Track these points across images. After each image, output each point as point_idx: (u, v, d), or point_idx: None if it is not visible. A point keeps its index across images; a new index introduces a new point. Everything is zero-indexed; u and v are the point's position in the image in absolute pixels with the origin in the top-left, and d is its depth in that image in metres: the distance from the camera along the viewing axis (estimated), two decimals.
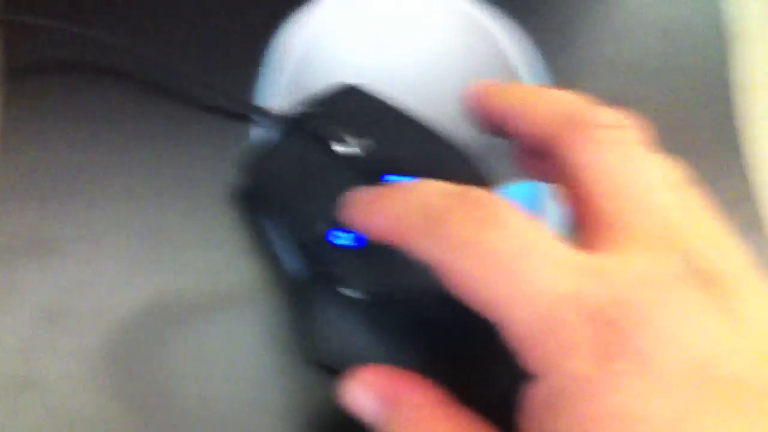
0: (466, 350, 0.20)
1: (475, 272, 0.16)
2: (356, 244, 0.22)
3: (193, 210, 0.27)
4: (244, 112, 0.28)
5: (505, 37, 0.31)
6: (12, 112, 0.28)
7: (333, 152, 0.24)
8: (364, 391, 0.19)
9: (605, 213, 0.17)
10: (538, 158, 0.21)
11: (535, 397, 0.16)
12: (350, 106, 0.26)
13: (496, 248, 0.16)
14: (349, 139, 0.25)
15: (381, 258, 0.22)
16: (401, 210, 0.18)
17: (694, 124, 0.31)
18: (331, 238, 0.22)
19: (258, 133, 0.28)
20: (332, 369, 0.25)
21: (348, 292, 0.22)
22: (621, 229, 0.17)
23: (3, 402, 0.23)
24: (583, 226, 0.18)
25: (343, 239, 0.22)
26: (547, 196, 0.28)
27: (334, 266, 0.22)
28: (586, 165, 0.18)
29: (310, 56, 0.30)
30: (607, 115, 0.19)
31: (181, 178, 0.27)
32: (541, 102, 0.20)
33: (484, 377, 0.20)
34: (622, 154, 0.18)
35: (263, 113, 0.27)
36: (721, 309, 0.16)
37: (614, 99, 0.20)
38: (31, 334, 0.24)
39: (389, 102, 0.26)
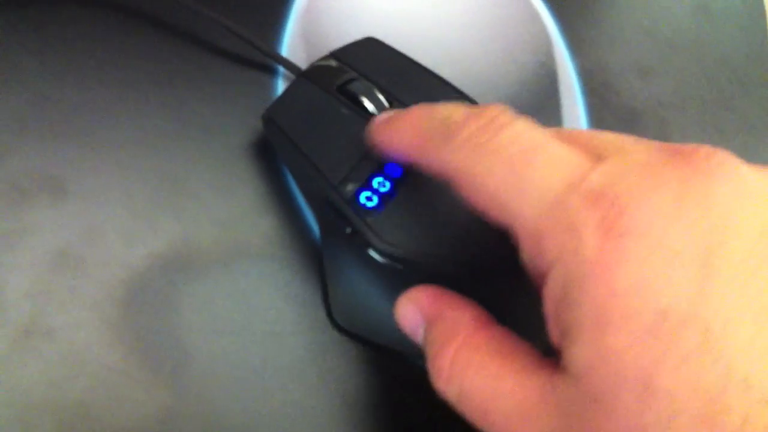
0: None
1: (487, 174, 0.17)
2: (381, 206, 0.22)
3: (212, 159, 0.26)
4: (268, 61, 0.27)
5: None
6: (19, 43, 0.26)
7: (359, 106, 0.24)
8: (411, 307, 0.20)
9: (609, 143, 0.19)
10: None
11: (551, 290, 0.16)
12: (375, 59, 0.25)
13: (507, 149, 0.17)
14: (374, 93, 0.24)
15: (405, 221, 0.22)
16: (424, 125, 0.19)
17: (728, 100, 0.31)
18: (359, 198, 0.22)
19: (281, 83, 0.27)
20: (351, 332, 0.25)
21: (373, 254, 0.22)
22: (620, 147, 0.18)
23: (14, 348, 0.23)
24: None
25: (371, 201, 0.22)
26: None
27: (360, 227, 0.22)
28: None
29: (336, 8, 0.29)
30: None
31: (200, 125, 0.26)
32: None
33: None
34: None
35: (287, 63, 0.27)
36: (725, 178, 0.16)
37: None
38: (43, 279, 0.24)
39: (413, 58, 0.25)
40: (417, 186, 0.22)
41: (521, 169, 0.17)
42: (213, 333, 0.24)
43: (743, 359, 0.14)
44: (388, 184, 0.22)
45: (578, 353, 0.15)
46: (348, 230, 0.22)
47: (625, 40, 0.31)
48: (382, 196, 0.22)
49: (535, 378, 0.17)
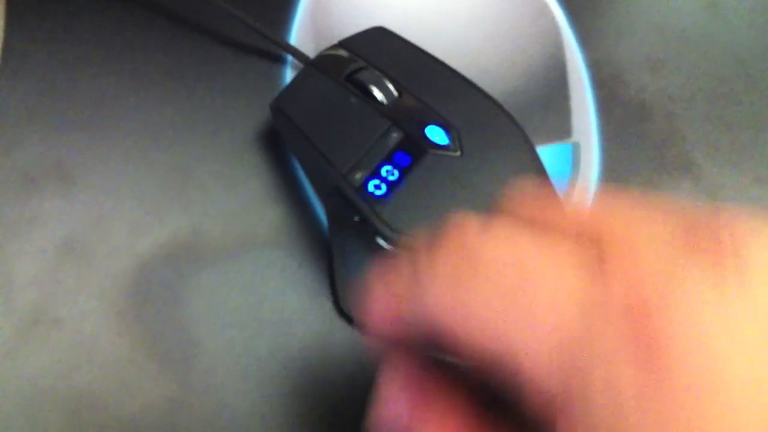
0: None
1: (480, 317, 0.14)
2: (390, 194, 0.22)
3: (220, 149, 0.26)
4: (277, 51, 0.27)
5: None
6: (29, 34, 0.26)
7: (367, 95, 0.24)
8: (396, 389, 0.17)
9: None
10: None
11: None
12: (383, 49, 0.25)
13: (497, 280, 0.14)
14: (383, 82, 0.24)
15: (414, 209, 0.21)
16: (393, 289, 0.16)
17: (737, 95, 0.31)
18: (368, 187, 0.22)
19: (290, 73, 0.27)
20: (358, 320, 0.24)
21: (381, 242, 0.22)
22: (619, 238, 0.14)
23: (22, 336, 0.23)
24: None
25: (379, 189, 0.22)
26: (581, 154, 0.27)
27: (368, 216, 0.21)
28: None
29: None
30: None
31: (208, 114, 0.26)
32: None
33: None
34: None
35: (296, 52, 0.26)
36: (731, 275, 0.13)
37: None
38: (51, 268, 0.24)
39: (423, 48, 0.25)
40: (425, 174, 0.22)
41: (522, 302, 0.13)
42: (220, 322, 0.24)
43: None
44: (396, 173, 0.22)
45: None
46: (356, 218, 0.22)
47: (634, 33, 0.31)
48: (391, 185, 0.22)
49: None
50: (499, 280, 0.14)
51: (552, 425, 0.13)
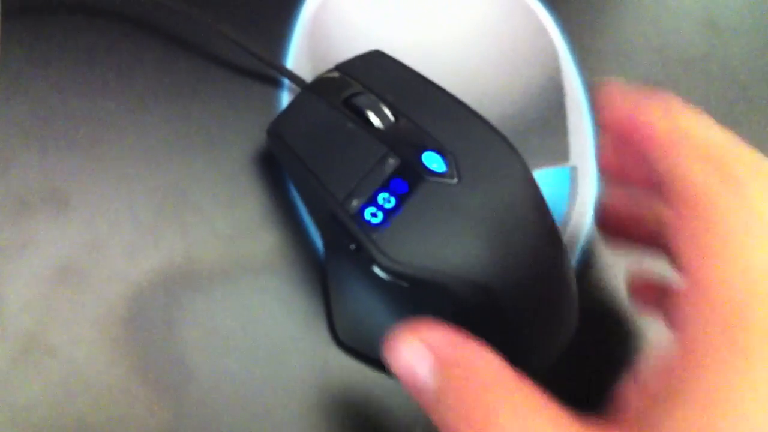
0: (494, 338, 0.20)
1: (716, 220, 0.17)
2: (386, 222, 0.21)
3: (216, 172, 0.26)
4: (273, 74, 0.27)
5: (543, 12, 0.30)
6: (24, 54, 0.26)
7: (364, 120, 0.23)
8: (418, 345, 0.18)
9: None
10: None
11: (684, 352, 0.16)
12: (381, 73, 0.25)
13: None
14: (380, 107, 0.24)
15: (411, 237, 0.21)
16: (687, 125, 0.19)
17: (736, 116, 0.31)
18: (364, 215, 0.21)
19: (286, 96, 0.27)
20: (354, 349, 0.24)
21: (378, 271, 0.22)
22: None
23: (14, 364, 0.23)
24: None
25: (375, 217, 0.21)
26: (579, 178, 0.27)
27: (365, 244, 0.21)
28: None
29: (341, 21, 0.28)
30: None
31: (204, 137, 0.26)
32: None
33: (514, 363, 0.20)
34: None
35: (292, 76, 0.26)
36: None
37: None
38: (45, 294, 0.24)
39: (420, 72, 0.25)
40: (422, 202, 0.22)
41: (745, 231, 0.17)
42: (215, 349, 0.24)
43: None
44: (393, 200, 0.22)
45: (678, 424, 0.15)
46: (352, 246, 0.22)
47: (633, 55, 0.31)
48: (388, 212, 0.21)
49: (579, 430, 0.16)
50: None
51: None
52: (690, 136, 0.19)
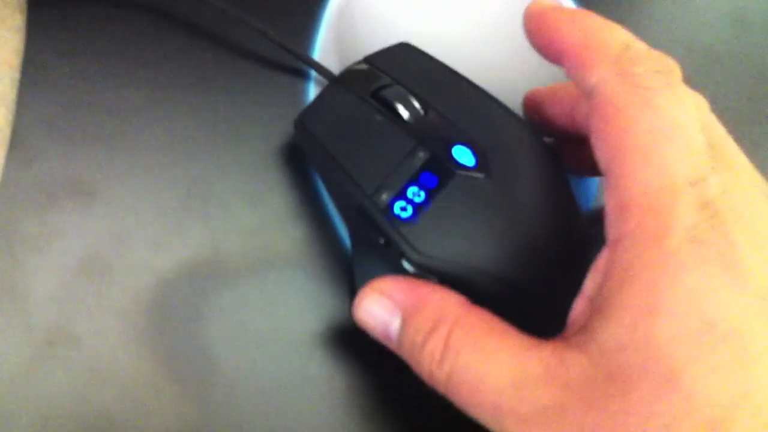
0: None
1: (638, 118, 0.17)
2: (416, 216, 0.21)
3: (242, 165, 0.26)
4: (300, 65, 0.27)
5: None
6: (50, 46, 0.26)
7: (393, 113, 0.23)
8: (382, 300, 0.20)
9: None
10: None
11: (611, 261, 0.17)
12: (409, 65, 0.25)
13: (667, 110, 0.17)
14: (409, 99, 0.23)
15: (440, 232, 0.21)
16: (601, 36, 0.20)
17: (765, 113, 0.30)
18: (393, 208, 0.21)
19: (313, 88, 0.27)
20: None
21: (407, 265, 0.21)
22: (718, 153, 0.18)
23: (39, 356, 0.23)
24: None
25: (405, 211, 0.21)
26: None
27: (394, 238, 0.21)
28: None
29: (367, 13, 0.28)
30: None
31: (230, 130, 0.26)
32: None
33: None
34: (701, 108, 0.19)
35: (320, 68, 0.26)
36: None
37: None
38: (70, 286, 0.23)
39: (446, 64, 0.25)
40: (452, 196, 0.21)
41: (666, 139, 0.17)
42: (240, 342, 0.24)
43: (765, 387, 0.15)
44: (423, 194, 0.21)
45: (613, 331, 0.16)
46: (381, 240, 0.22)
47: (661, 50, 0.31)
48: (417, 207, 0.21)
49: (536, 354, 0.17)
50: (665, 118, 0.17)
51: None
52: (603, 48, 0.19)
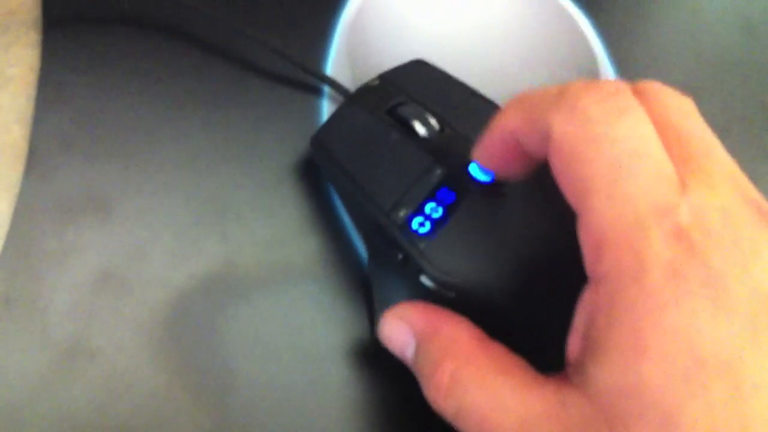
0: (535, 351, 0.20)
1: (587, 158, 0.17)
2: (434, 232, 0.21)
3: (257, 180, 0.26)
4: (313, 81, 0.27)
5: (580, 17, 0.30)
6: (63, 63, 0.26)
7: (409, 130, 0.23)
8: (401, 324, 0.21)
9: (677, 155, 0.17)
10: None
11: (595, 300, 0.17)
12: (424, 82, 0.25)
13: (620, 141, 0.17)
14: (425, 116, 0.23)
15: (458, 247, 0.21)
16: (537, 95, 0.19)
17: None
18: (411, 225, 0.21)
19: (326, 104, 0.27)
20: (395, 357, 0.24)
21: (425, 281, 0.21)
22: (695, 170, 0.17)
23: (58, 369, 0.23)
24: None
25: (423, 227, 0.21)
26: None
27: (412, 254, 0.21)
28: (654, 120, 0.18)
29: (380, 28, 0.28)
30: (665, 86, 0.19)
31: (245, 145, 0.26)
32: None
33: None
34: (687, 113, 0.18)
35: (335, 84, 0.26)
36: None
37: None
38: (87, 300, 0.24)
39: (461, 80, 0.25)
40: (470, 212, 0.22)
41: (624, 171, 0.16)
42: (256, 355, 0.24)
43: (763, 421, 0.15)
44: (440, 210, 0.22)
45: (605, 375, 0.16)
46: (400, 257, 0.22)
47: (670, 59, 0.31)
48: (435, 222, 0.21)
49: (539, 394, 0.17)
50: (614, 156, 0.17)
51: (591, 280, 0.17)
52: (542, 100, 0.19)
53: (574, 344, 0.18)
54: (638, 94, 0.19)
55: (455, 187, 0.22)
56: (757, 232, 0.16)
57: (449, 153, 0.23)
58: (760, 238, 0.16)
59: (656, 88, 0.19)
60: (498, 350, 0.19)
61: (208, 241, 0.25)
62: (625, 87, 0.18)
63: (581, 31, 0.30)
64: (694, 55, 0.31)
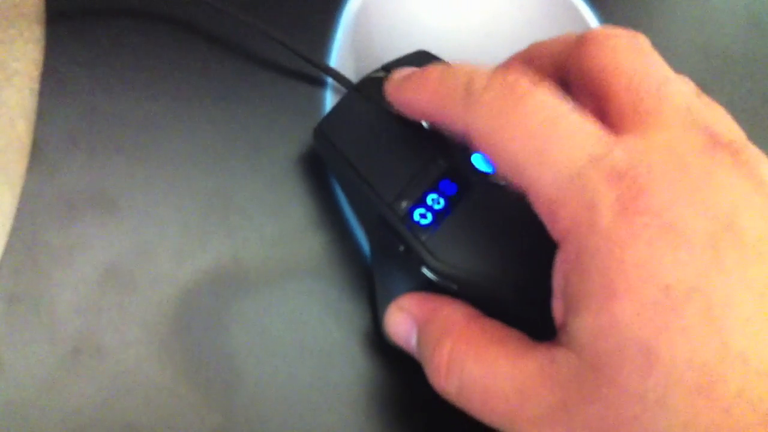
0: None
1: (509, 141, 0.17)
2: (436, 224, 0.21)
3: (262, 174, 0.26)
4: (317, 74, 0.27)
5: (587, 11, 0.30)
6: (68, 58, 0.26)
7: (412, 121, 0.23)
8: (402, 315, 0.21)
9: (626, 103, 0.18)
10: None
11: (564, 259, 0.17)
12: None
13: (529, 119, 0.17)
14: None
15: (461, 239, 0.21)
16: (445, 85, 0.20)
17: None
18: (413, 216, 0.21)
19: (330, 97, 0.27)
20: (400, 351, 0.24)
21: (427, 273, 0.21)
22: (643, 113, 0.18)
23: (64, 366, 0.23)
24: (605, 120, 0.18)
25: (425, 218, 0.21)
26: None
27: (414, 246, 0.21)
28: (603, 66, 0.19)
29: (384, 20, 0.28)
30: (616, 28, 0.20)
31: (250, 139, 0.26)
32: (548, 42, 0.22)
33: None
34: (636, 53, 0.19)
35: (338, 76, 0.26)
36: (745, 174, 0.16)
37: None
38: (93, 296, 0.24)
39: None
40: (472, 203, 0.21)
41: (543, 138, 0.17)
42: (262, 351, 0.24)
43: (742, 334, 0.15)
44: (442, 201, 0.21)
45: (583, 323, 0.16)
46: (401, 248, 0.22)
47: (677, 55, 0.31)
48: (437, 214, 0.21)
49: (532, 357, 0.17)
50: (530, 129, 0.17)
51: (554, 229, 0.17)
52: (450, 92, 0.20)
53: (557, 309, 0.18)
54: (589, 41, 0.19)
55: (457, 179, 0.22)
56: (707, 159, 0.16)
57: (452, 144, 0.22)
58: (711, 164, 0.16)
59: (607, 32, 0.20)
60: (492, 324, 0.19)
61: (214, 236, 0.25)
62: (522, 74, 0.18)
63: (587, 25, 0.29)
64: (701, 49, 0.31)
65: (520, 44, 0.29)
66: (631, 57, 0.19)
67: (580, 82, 0.19)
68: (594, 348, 0.16)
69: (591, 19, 0.30)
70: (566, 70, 0.20)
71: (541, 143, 0.17)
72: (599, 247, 0.16)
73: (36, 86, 0.26)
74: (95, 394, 0.23)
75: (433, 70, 0.20)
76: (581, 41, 0.20)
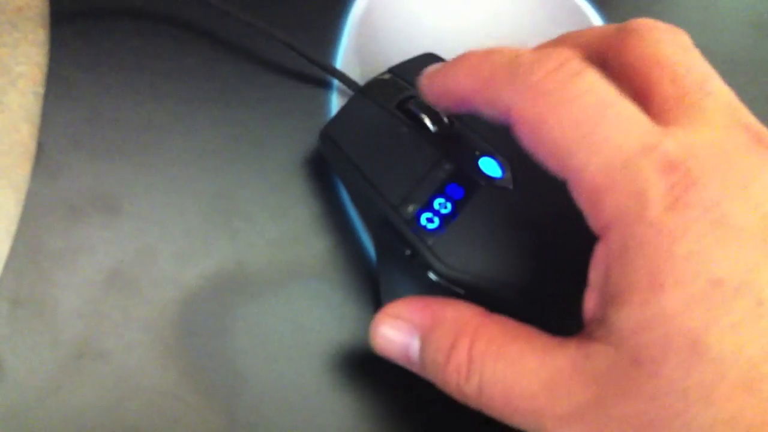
0: None
1: (555, 123, 0.17)
2: (443, 228, 0.21)
3: (266, 177, 0.26)
4: (323, 76, 0.27)
5: (592, 13, 0.30)
6: (71, 61, 0.26)
7: (419, 124, 0.23)
8: (398, 323, 0.20)
9: (671, 96, 0.18)
10: None
11: (606, 249, 0.16)
12: None
13: (580, 100, 0.17)
14: (435, 110, 0.23)
15: (467, 243, 0.21)
16: (486, 66, 0.19)
17: None
18: (420, 220, 0.21)
19: (335, 99, 0.27)
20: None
21: (434, 277, 0.21)
22: (688, 107, 0.17)
23: (67, 369, 0.23)
24: (649, 111, 0.18)
25: (432, 222, 0.21)
26: None
27: (421, 250, 0.21)
28: (647, 58, 0.18)
29: (389, 22, 0.28)
30: (657, 21, 0.19)
31: (254, 142, 0.26)
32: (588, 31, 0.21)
33: None
34: (680, 47, 0.19)
35: (345, 78, 0.26)
36: None
37: None
38: (96, 299, 0.24)
39: None
40: (479, 207, 0.21)
41: (594, 122, 0.16)
42: (266, 355, 0.24)
43: None
44: (449, 206, 0.21)
45: (626, 315, 0.16)
46: (408, 252, 0.22)
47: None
48: (444, 218, 0.21)
49: (562, 352, 0.17)
50: (580, 111, 0.16)
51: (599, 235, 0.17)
52: (494, 76, 0.19)
53: (591, 301, 0.17)
54: (631, 32, 0.19)
55: (464, 183, 0.21)
56: (754, 157, 0.16)
57: (458, 148, 0.22)
58: (758, 162, 0.16)
59: (649, 25, 0.19)
60: (507, 321, 0.19)
61: (217, 239, 0.25)
62: (573, 54, 0.17)
63: (591, 26, 0.29)
64: (705, 53, 0.31)
65: (526, 45, 0.29)
66: (675, 50, 0.18)
67: (620, 72, 0.19)
68: (636, 341, 0.15)
69: (595, 20, 0.29)
70: (603, 61, 0.19)
71: (591, 127, 0.16)
72: (648, 239, 0.15)
73: (40, 90, 0.26)
74: (98, 398, 0.23)
75: (474, 51, 0.19)
76: (623, 32, 0.19)
